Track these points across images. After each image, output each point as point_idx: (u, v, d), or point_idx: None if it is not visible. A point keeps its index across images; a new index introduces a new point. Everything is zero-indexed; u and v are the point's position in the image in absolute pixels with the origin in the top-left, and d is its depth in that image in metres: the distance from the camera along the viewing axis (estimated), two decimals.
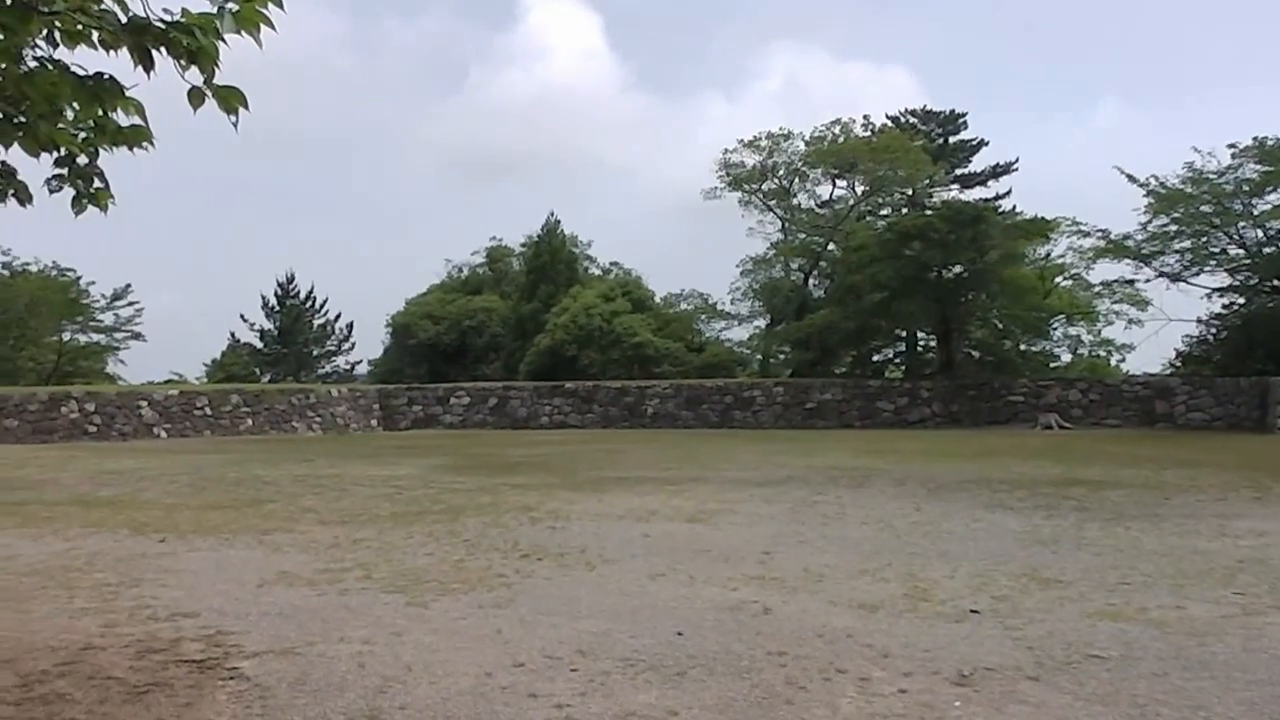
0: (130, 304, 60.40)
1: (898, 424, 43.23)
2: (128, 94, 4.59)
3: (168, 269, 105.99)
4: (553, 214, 61.37)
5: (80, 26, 4.00)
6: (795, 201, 59.99)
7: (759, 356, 60.77)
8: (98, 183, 5.14)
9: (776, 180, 59.09)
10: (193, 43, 3.89)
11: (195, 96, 4.07)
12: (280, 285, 68.87)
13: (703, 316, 62.33)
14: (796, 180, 59.15)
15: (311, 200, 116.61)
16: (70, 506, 14.62)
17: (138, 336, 61.64)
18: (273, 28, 3.88)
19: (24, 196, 5.20)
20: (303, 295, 69.13)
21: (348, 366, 69.92)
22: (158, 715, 5.43)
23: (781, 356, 59.08)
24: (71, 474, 20.70)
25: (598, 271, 65.47)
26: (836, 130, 57.54)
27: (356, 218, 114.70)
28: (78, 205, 5.19)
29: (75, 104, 4.40)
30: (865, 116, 58.90)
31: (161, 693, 5.77)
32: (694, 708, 5.58)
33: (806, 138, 57.56)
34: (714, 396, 45.93)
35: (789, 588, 8.83)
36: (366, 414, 47.35)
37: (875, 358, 55.68)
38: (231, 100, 4.07)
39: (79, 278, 58.53)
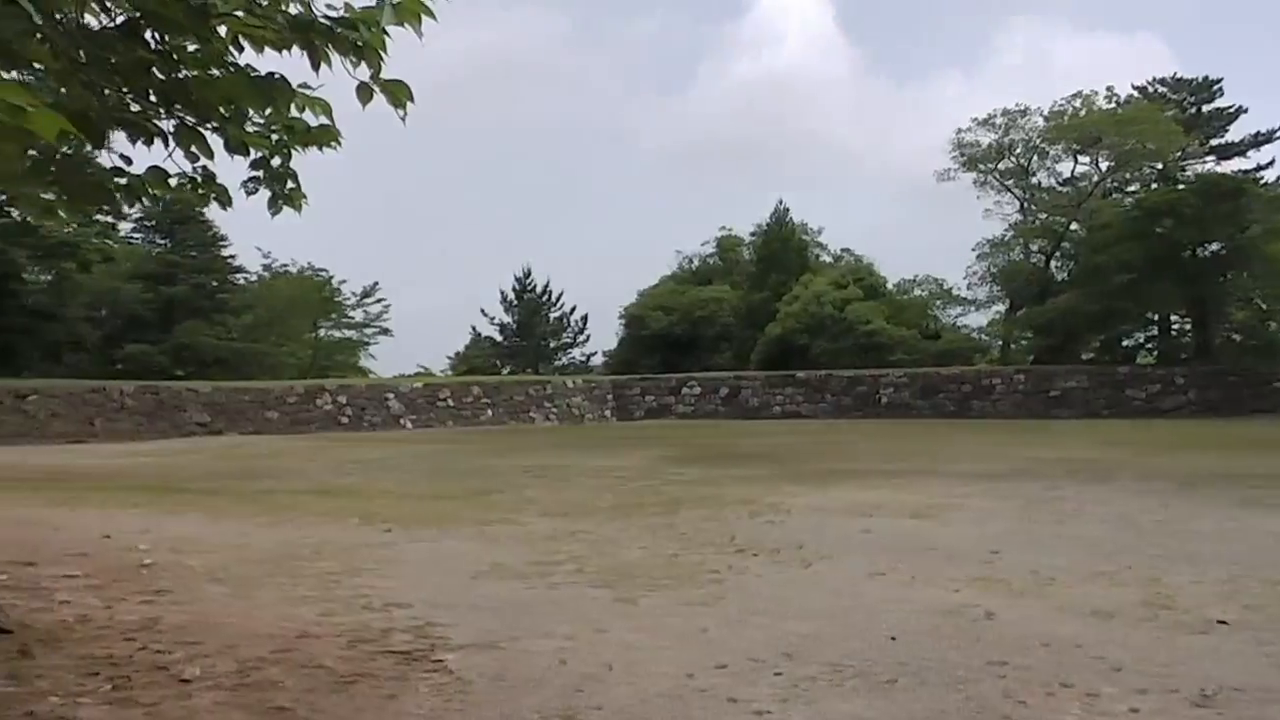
0: (378, 301, 63.58)
1: (1149, 412, 40.85)
2: (314, 95, 4.63)
3: (413, 267, 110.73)
4: (781, 202, 61.00)
5: (250, 28, 4.03)
6: (1034, 180, 57.59)
7: (998, 343, 58.73)
8: (291, 184, 5.22)
9: (1014, 159, 56.85)
10: (358, 37, 3.85)
11: (363, 92, 4.05)
12: (518, 280, 70.99)
13: (938, 302, 60.61)
14: (1035, 158, 56.77)
15: (547, 196, 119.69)
16: (310, 496, 15.31)
17: (385, 332, 64.83)
18: (433, 17, 3.80)
19: (224, 200, 5.33)
20: (539, 289, 71.00)
21: (583, 358, 71.48)
22: (360, 706, 5.48)
23: (1023, 343, 56.87)
24: (318, 464, 21.74)
25: (828, 258, 64.61)
26: (1078, 104, 54.86)
27: (590, 212, 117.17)
28: (274, 206, 5.29)
29: (256, 106, 4.45)
30: (1109, 88, 55.91)
31: (366, 683, 5.84)
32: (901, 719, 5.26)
33: (1045, 113, 55.14)
34: (950, 385, 44.59)
35: (1015, 591, 8.32)
36: (601, 404, 48.12)
37: (1124, 343, 52.86)
38: (399, 95, 4.03)
39: (331, 277, 61.80)
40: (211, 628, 6.84)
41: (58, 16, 3.69)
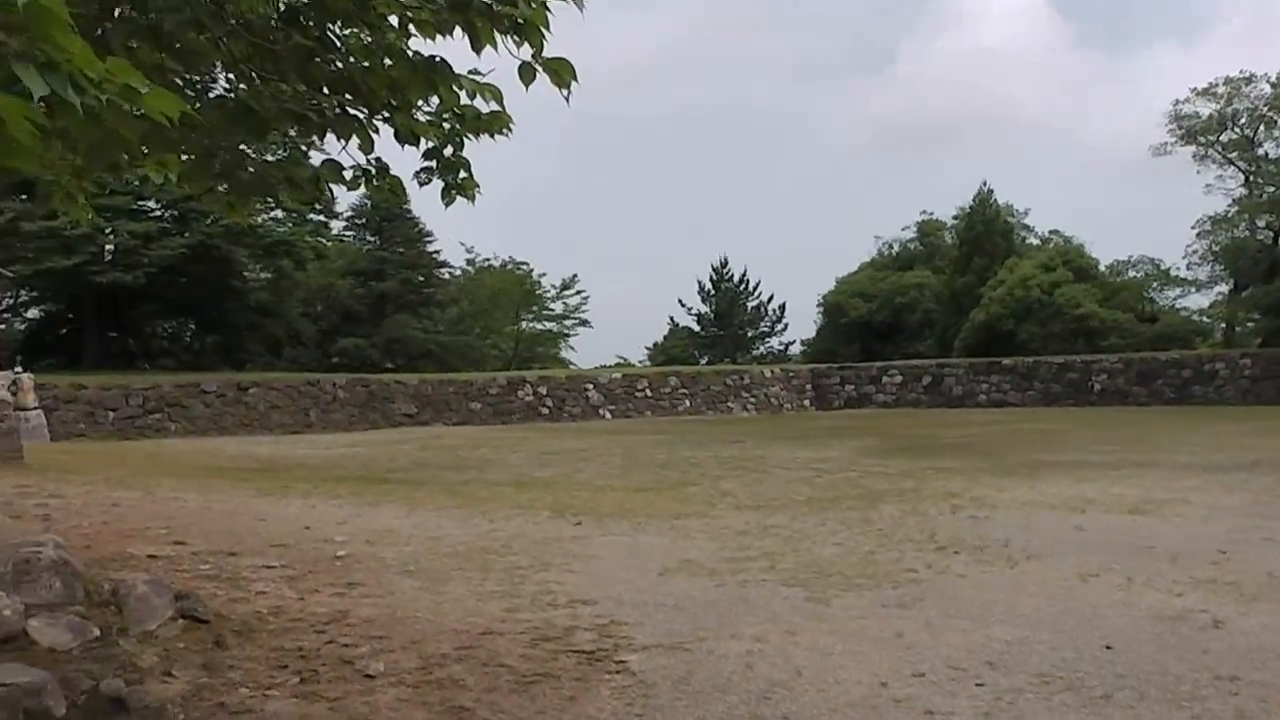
0: (578, 293, 64.44)
1: None
2: (483, 80, 4.48)
3: (612, 258, 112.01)
4: (985, 183, 58.95)
5: (410, 9, 3.89)
6: (1261, 151, 53.99)
7: (1221, 325, 55.45)
8: (463, 173, 5.10)
9: (1237, 129, 53.51)
10: (518, 15, 3.66)
11: (526, 72, 3.86)
12: (715, 270, 70.88)
13: (1154, 284, 57.80)
14: (1262, 128, 53.22)
15: (744, 183, 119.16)
16: (507, 487, 15.44)
17: (585, 323, 65.70)
18: None
19: (398, 192, 5.25)
20: (736, 278, 70.72)
21: (781, 347, 70.90)
22: (540, 708, 5.35)
23: (1249, 325, 53.55)
24: (518, 455, 22.03)
25: (1035, 241, 62.40)
26: None
27: (786, 198, 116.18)
28: (447, 197, 5.18)
29: (419, 93, 4.32)
30: None
31: (548, 684, 5.71)
32: None
33: (1274, 79, 51.62)
34: (1169, 370, 42.24)
35: (1247, 596, 7.62)
36: (799, 394, 47.56)
37: None
38: (563, 74, 3.83)
39: (532, 270, 62.97)
40: (399, 622, 6.84)
41: (214, 7, 3.64)
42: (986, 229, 57.15)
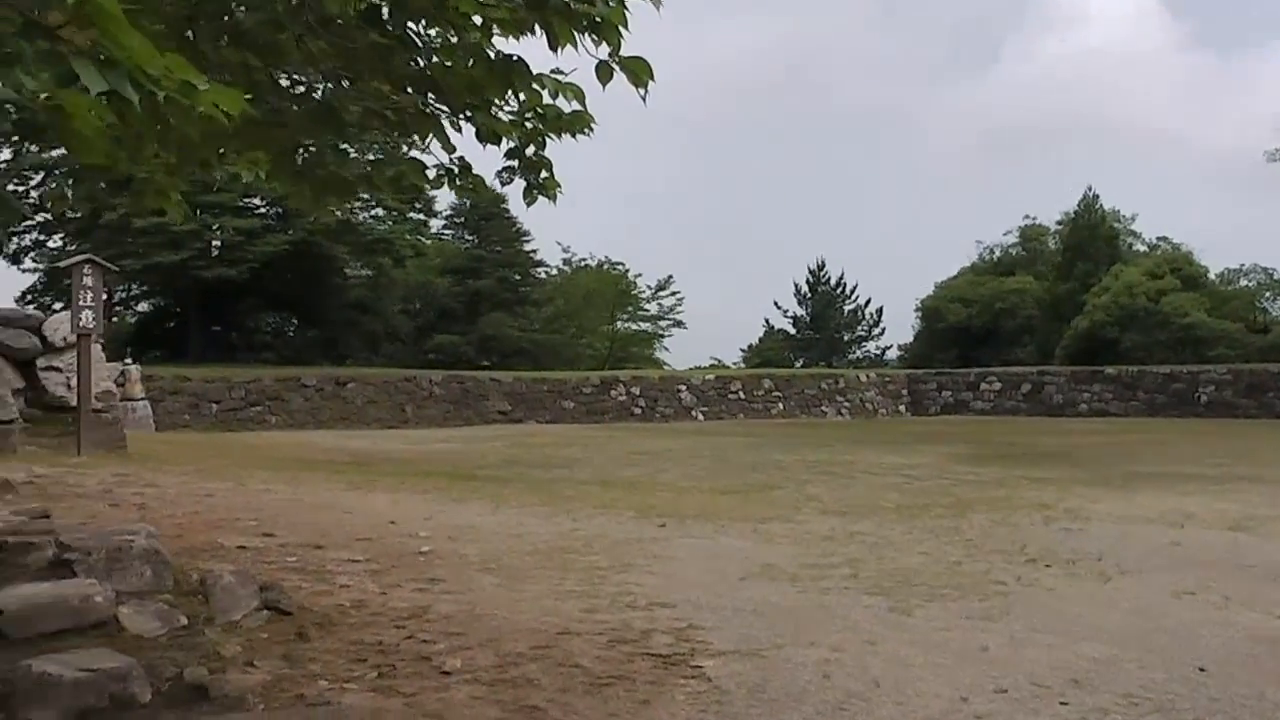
0: (672, 294, 64.48)
1: None
2: (567, 80, 4.47)
3: (709, 260, 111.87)
4: (1090, 188, 57.65)
5: (487, 8, 3.88)
6: None
7: None
8: (545, 173, 5.09)
9: None
10: (596, 13, 3.64)
11: (603, 71, 3.83)
12: (811, 272, 70.58)
13: (1267, 294, 55.92)
14: None
15: (841, 185, 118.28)
16: (592, 486, 15.47)
17: (679, 324, 65.69)
18: None
19: (481, 191, 5.27)
20: (833, 282, 70.25)
21: (878, 351, 70.29)
22: (613, 711, 5.33)
23: None
24: (606, 454, 22.08)
25: (1142, 247, 60.88)
26: None
27: (886, 200, 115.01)
28: (529, 197, 5.18)
29: (497, 91, 4.32)
30: None
31: (621, 686, 5.68)
32: None
33: None
34: None
35: None
36: (894, 399, 47.06)
37: None
38: (640, 73, 3.80)
39: (627, 270, 63.16)
40: (477, 619, 6.87)
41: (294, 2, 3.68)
42: (1091, 234, 55.91)
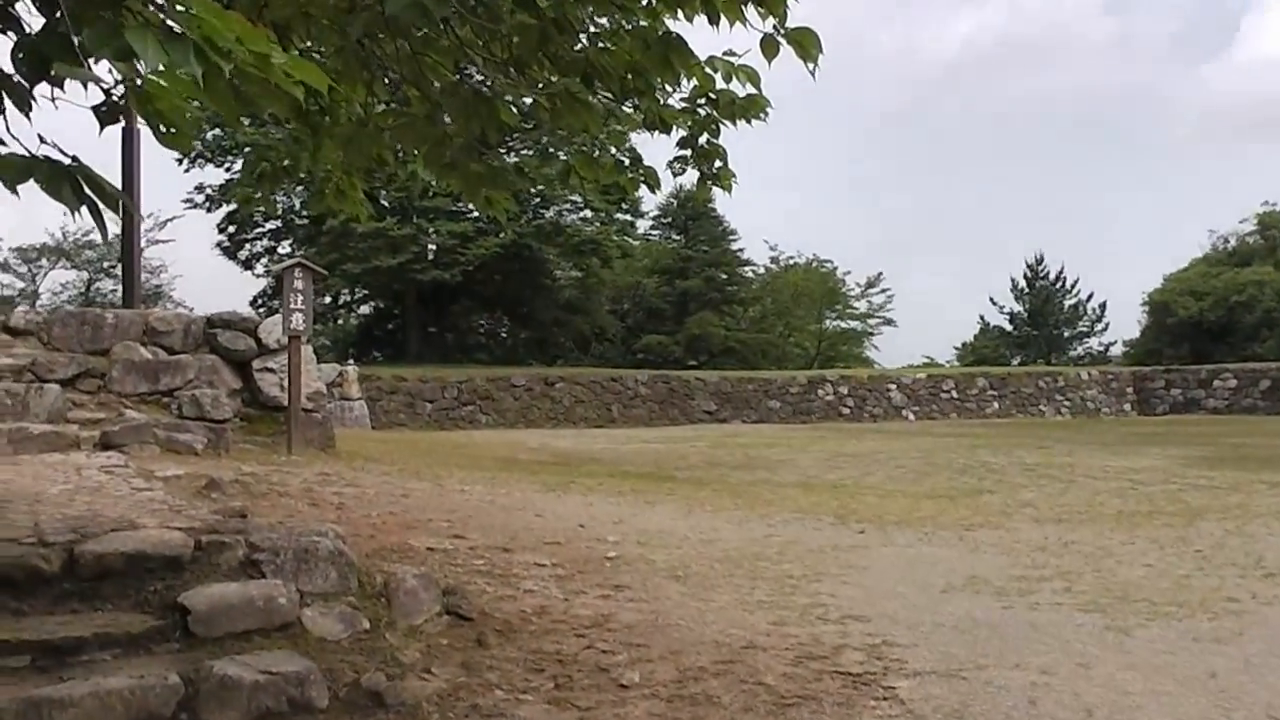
0: (882, 291, 63.23)
1: None
2: (739, 63, 4.19)
3: (922, 255, 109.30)
4: None
5: None
6: None
7: None
8: (719, 163, 4.81)
9: None
10: None
11: (768, 45, 3.52)
12: (1029, 267, 68.17)
13: None
14: None
15: (1063, 174, 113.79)
16: (792, 489, 15.06)
17: (889, 322, 64.37)
18: None
19: (652, 183, 5.03)
20: (1053, 276, 67.71)
21: (1100, 348, 67.33)
22: None
23: None
24: (810, 456, 21.61)
25: None
26: None
27: (1110, 189, 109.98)
28: (702, 190, 4.92)
29: (657, 73, 4.05)
30: None
31: (807, 708, 5.35)
32: None
33: None
34: None
35: None
36: (1119, 398, 44.84)
37: None
38: (807, 45, 3.48)
39: (836, 268, 62.28)
40: (660, 630, 6.64)
41: None
42: None
